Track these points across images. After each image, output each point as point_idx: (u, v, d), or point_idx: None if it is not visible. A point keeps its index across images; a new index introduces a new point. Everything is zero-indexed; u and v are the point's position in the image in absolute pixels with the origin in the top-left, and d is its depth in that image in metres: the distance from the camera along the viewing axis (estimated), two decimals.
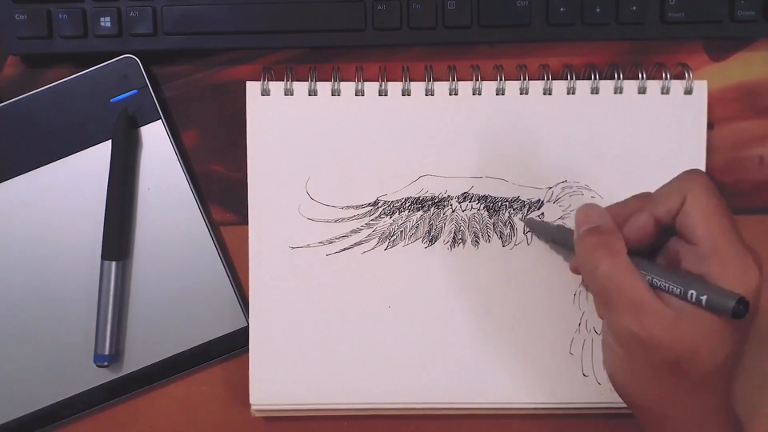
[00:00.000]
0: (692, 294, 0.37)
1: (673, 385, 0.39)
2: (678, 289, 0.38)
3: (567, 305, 0.49)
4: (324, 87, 0.48)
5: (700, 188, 0.39)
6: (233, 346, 0.50)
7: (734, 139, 0.51)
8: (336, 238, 0.49)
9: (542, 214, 0.48)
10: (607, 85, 0.48)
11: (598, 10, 0.48)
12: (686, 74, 0.48)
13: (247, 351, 0.49)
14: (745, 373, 0.40)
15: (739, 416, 0.42)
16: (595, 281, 0.39)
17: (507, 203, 0.49)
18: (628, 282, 0.38)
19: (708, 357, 0.38)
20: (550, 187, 0.49)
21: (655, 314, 0.37)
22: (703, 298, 0.37)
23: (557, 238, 0.47)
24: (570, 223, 0.48)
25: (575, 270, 0.44)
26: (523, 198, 0.49)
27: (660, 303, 0.38)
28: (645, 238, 0.40)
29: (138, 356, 0.49)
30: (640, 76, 0.48)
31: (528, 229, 0.49)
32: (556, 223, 0.49)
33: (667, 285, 0.38)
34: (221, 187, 0.50)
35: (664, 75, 0.48)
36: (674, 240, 0.40)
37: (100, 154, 0.49)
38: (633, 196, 0.42)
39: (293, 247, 0.49)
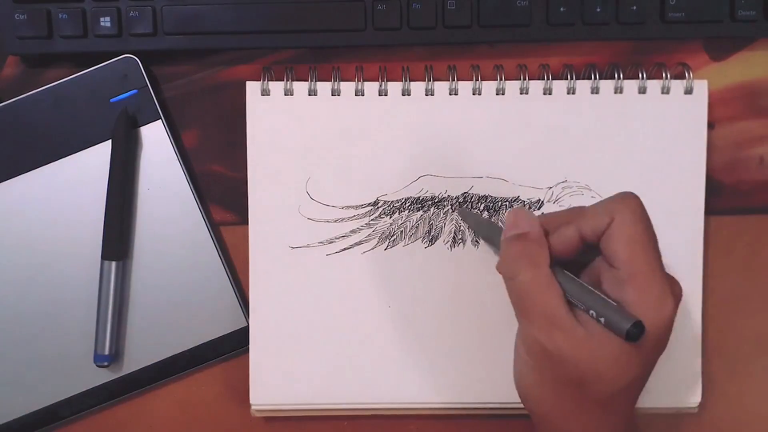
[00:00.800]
0: (593, 313, 0.37)
1: (576, 402, 0.39)
2: (584, 307, 0.38)
3: None
4: (324, 87, 0.48)
5: (628, 212, 0.39)
6: (233, 346, 0.50)
7: (734, 139, 0.51)
8: (336, 238, 0.49)
9: (542, 214, 0.48)
10: (607, 85, 0.48)
11: (598, 10, 0.48)
12: (686, 74, 0.48)
13: (247, 351, 0.49)
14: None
15: None
16: (514, 288, 0.40)
17: (507, 203, 0.49)
18: (545, 295, 0.38)
19: (612, 379, 0.38)
20: (550, 187, 0.49)
21: (566, 330, 0.38)
22: (602, 318, 0.37)
23: (487, 235, 0.47)
24: None
25: (499, 270, 0.44)
26: (523, 198, 0.49)
27: (572, 320, 0.38)
28: (568, 252, 0.40)
29: (138, 356, 0.49)
30: (640, 75, 0.48)
31: (461, 219, 0.48)
32: (486, 217, 0.48)
33: (579, 300, 0.38)
34: (221, 187, 0.50)
35: (664, 75, 0.48)
36: (599, 259, 0.40)
37: (100, 154, 0.49)
38: (569, 209, 0.42)
39: (293, 247, 0.49)
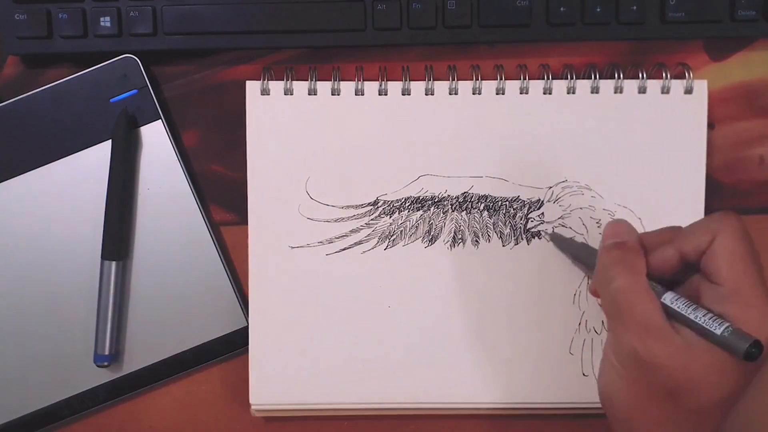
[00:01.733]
0: (708, 328, 0.37)
1: (667, 412, 0.39)
2: (695, 319, 0.37)
3: (567, 305, 0.49)
4: (324, 87, 0.48)
5: (730, 230, 0.39)
6: (233, 346, 0.50)
7: (734, 139, 0.51)
8: (336, 238, 0.49)
9: (542, 213, 0.48)
10: (607, 85, 0.48)
11: (598, 10, 0.48)
12: (686, 74, 0.48)
13: (247, 351, 0.49)
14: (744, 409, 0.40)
15: None
16: (609, 294, 0.39)
17: (507, 203, 0.49)
18: (642, 301, 0.38)
19: (709, 391, 0.37)
20: (551, 187, 0.49)
21: (664, 339, 0.37)
22: (719, 334, 0.36)
23: (580, 255, 0.47)
24: (571, 222, 0.49)
25: (594, 291, 0.43)
26: (523, 198, 0.49)
27: (670, 329, 0.37)
28: (667, 271, 0.40)
29: (138, 356, 0.49)
30: (640, 75, 0.48)
31: (551, 242, 0.49)
32: (580, 241, 0.48)
33: (683, 314, 0.38)
34: (221, 187, 0.50)
35: (664, 75, 0.48)
36: (696, 277, 0.40)
37: (100, 154, 0.49)
38: (664, 228, 0.42)
39: (293, 247, 0.48)
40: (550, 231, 0.48)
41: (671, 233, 0.41)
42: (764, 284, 0.38)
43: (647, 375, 0.38)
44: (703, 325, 0.37)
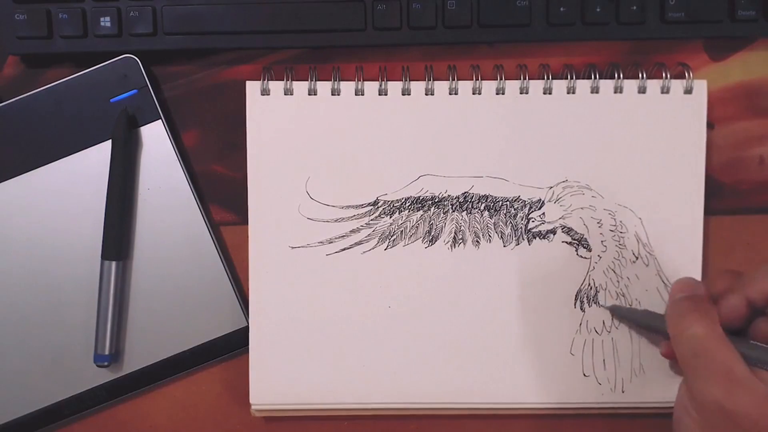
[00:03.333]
0: None
1: None
2: None
3: (568, 306, 0.49)
4: (324, 87, 0.48)
5: None
6: (233, 346, 0.50)
7: (734, 139, 0.51)
8: (336, 238, 0.49)
9: (543, 213, 0.48)
10: (607, 85, 0.48)
11: (598, 10, 0.48)
12: (686, 74, 0.48)
13: (247, 351, 0.49)
14: None
15: None
16: (686, 344, 0.39)
17: (507, 203, 0.49)
18: (721, 350, 0.38)
19: None
20: (551, 187, 0.49)
21: (747, 388, 0.37)
22: None
23: (644, 322, 0.47)
24: (572, 222, 0.49)
25: (667, 354, 0.42)
26: (523, 198, 0.49)
27: (753, 377, 0.37)
28: (737, 319, 0.40)
29: (138, 356, 0.49)
30: (640, 75, 0.48)
31: (611, 314, 0.49)
32: (642, 309, 0.48)
33: (765, 360, 0.38)
34: (221, 187, 0.50)
35: (664, 74, 0.48)
36: (763, 320, 0.40)
37: (100, 154, 0.49)
38: (721, 274, 0.42)
39: (293, 247, 0.48)
40: (608, 305, 0.48)
41: (731, 280, 0.41)
42: None
43: (730, 426, 0.37)
44: None
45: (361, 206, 0.49)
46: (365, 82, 0.48)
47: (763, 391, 0.37)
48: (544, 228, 0.49)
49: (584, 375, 0.49)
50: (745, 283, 0.40)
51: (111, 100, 0.49)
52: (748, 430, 0.37)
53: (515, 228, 0.49)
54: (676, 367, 0.48)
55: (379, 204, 0.49)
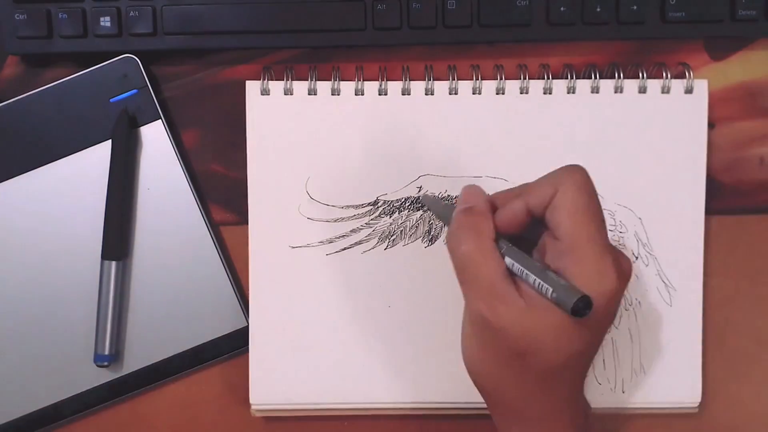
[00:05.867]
0: (540, 285, 0.36)
1: (518, 375, 0.38)
2: (531, 279, 0.37)
3: None
4: (324, 86, 0.48)
5: (571, 183, 0.38)
6: (233, 346, 0.50)
7: (734, 139, 0.51)
8: (336, 238, 0.49)
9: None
10: (607, 85, 0.48)
11: (598, 9, 0.48)
12: (687, 74, 0.48)
13: (247, 351, 0.49)
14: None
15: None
16: (457, 260, 0.39)
17: None
18: (485, 265, 0.38)
19: (552, 353, 0.37)
20: None
21: (506, 301, 0.37)
22: (550, 290, 0.36)
23: (443, 216, 0.46)
24: None
25: (447, 244, 0.42)
26: None
27: (513, 291, 0.37)
28: (516, 227, 0.39)
29: (138, 356, 0.49)
30: (640, 75, 0.48)
31: (425, 207, 0.48)
32: (445, 202, 0.48)
33: (523, 273, 0.37)
34: (221, 187, 0.50)
35: (664, 74, 0.48)
36: (546, 233, 0.39)
37: (100, 154, 0.49)
38: (519, 185, 0.41)
39: (293, 247, 0.48)
40: (421, 195, 0.48)
41: (521, 189, 0.40)
42: (602, 239, 0.37)
43: (495, 339, 0.38)
44: (538, 283, 0.36)
45: (361, 206, 0.49)
46: (365, 82, 0.48)
47: (521, 305, 0.37)
48: None
49: None
50: (528, 191, 0.39)
51: (111, 100, 0.49)
52: (512, 343, 0.37)
53: None
54: (678, 367, 0.48)
55: (379, 204, 0.49)
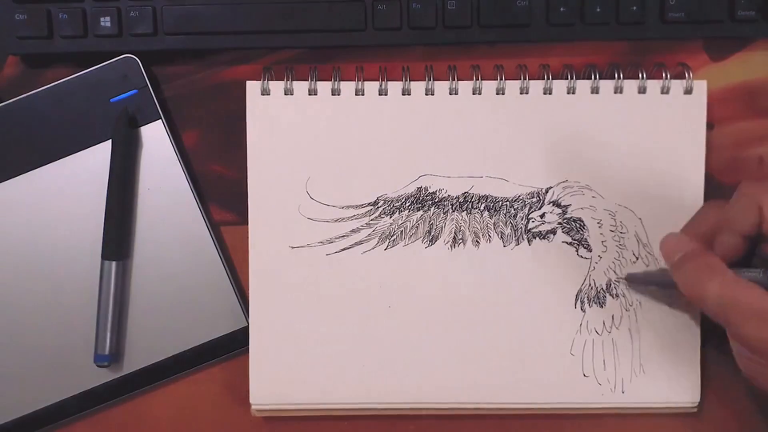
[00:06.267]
0: None
1: None
2: None
3: (568, 306, 0.49)
4: (324, 87, 0.48)
5: None
6: (233, 346, 0.50)
7: (734, 139, 0.51)
8: (336, 238, 0.49)
9: (543, 214, 0.48)
10: (607, 85, 0.48)
11: (598, 10, 0.48)
12: (686, 74, 0.48)
13: (247, 351, 0.49)
14: None
15: None
16: (709, 303, 0.39)
17: (507, 203, 0.49)
18: (742, 293, 0.38)
19: None
20: (551, 187, 0.49)
21: None
22: None
23: (662, 282, 0.47)
24: (572, 222, 0.48)
25: (689, 296, 0.42)
26: (523, 198, 0.49)
27: None
28: (738, 254, 0.41)
29: (138, 356, 0.49)
30: (640, 75, 0.48)
31: (629, 284, 0.48)
32: (655, 269, 0.48)
33: None
34: (221, 187, 0.50)
35: (664, 75, 0.48)
36: (759, 249, 0.41)
37: (100, 154, 0.49)
38: (700, 212, 0.42)
39: (293, 247, 0.48)
40: (624, 276, 0.48)
41: (715, 218, 0.41)
42: None
43: None
44: None
45: (362, 206, 0.49)
46: (365, 82, 0.48)
47: None
48: (544, 228, 0.49)
49: (584, 375, 0.49)
50: (732, 220, 0.40)
51: (111, 100, 0.49)
52: None
53: (515, 228, 0.49)
54: (677, 367, 0.49)
55: (380, 204, 0.49)
